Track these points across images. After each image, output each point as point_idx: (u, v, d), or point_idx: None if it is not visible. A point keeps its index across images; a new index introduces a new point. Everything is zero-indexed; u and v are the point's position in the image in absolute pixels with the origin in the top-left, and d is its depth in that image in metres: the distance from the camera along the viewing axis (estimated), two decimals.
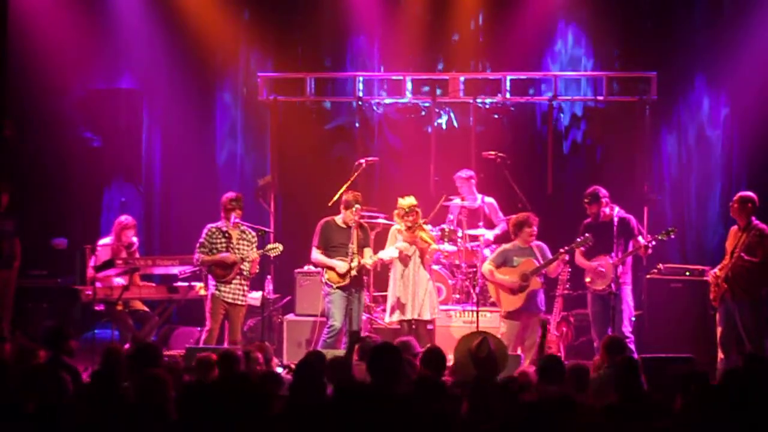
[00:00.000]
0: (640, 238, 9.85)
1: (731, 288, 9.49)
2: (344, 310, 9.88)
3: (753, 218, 9.52)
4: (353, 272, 9.86)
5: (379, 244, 10.52)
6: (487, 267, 9.97)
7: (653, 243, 9.79)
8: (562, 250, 9.72)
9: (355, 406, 5.55)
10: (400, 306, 9.98)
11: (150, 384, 5.77)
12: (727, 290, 9.51)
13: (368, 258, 10.00)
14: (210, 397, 5.36)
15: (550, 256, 9.79)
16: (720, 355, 9.54)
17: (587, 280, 9.90)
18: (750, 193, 9.64)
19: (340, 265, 9.88)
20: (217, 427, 5.22)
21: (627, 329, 9.68)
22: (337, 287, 9.91)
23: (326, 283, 10.00)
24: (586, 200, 9.89)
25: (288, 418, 5.59)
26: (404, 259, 9.99)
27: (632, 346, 9.58)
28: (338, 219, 10.05)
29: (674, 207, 12.42)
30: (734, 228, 9.68)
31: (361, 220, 10.16)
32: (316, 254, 10.06)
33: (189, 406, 5.42)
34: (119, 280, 10.68)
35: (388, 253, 10.08)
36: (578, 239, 9.74)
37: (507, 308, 9.81)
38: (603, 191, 9.88)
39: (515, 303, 9.76)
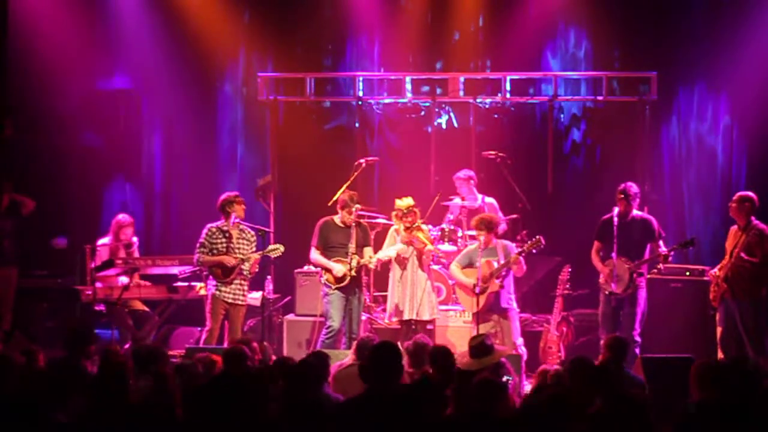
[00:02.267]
0: (661, 243, 9.78)
1: (731, 288, 9.49)
2: (342, 311, 9.88)
3: (753, 218, 9.52)
4: (352, 273, 9.86)
5: (379, 244, 10.52)
6: (453, 267, 9.97)
7: (672, 254, 9.74)
8: (515, 253, 9.69)
9: (357, 405, 5.57)
10: (399, 307, 9.98)
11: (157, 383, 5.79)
12: (726, 290, 9.51)
13: (367, 258, 10.00)
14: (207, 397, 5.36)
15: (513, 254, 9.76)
16: (720, 354, 9.54)
17: (601, 280, 9.87)
18: (749, 193, 9.64)
19: (337, 268, 9.87)
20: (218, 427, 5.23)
21: (636, 332, 9.62)
22: (336, 288, 9.92)
23: (325, 284, 10.00)
24: (620, 196, 9.77)
25: (289, 418, 5.59)
26: (402, 261, 10.00)
27: (638, 350, 9.53)
28: (337, 219, 10.04)
29: (674, 207, 12.42)
30: (734, 228, 9.67)
31: (360, 220, 10.15)
32: (315, 254, 10.06)
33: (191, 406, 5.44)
34: (123, 279, 10.69)
35: (386, 253, 10.09)
36: (528, 242, 9.72)
37: (471, 310, 9.77)
38: (630, 190, 9.76)
39: (477, 305, 9.67)
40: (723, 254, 9.70)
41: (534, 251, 9.75)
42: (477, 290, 9.57)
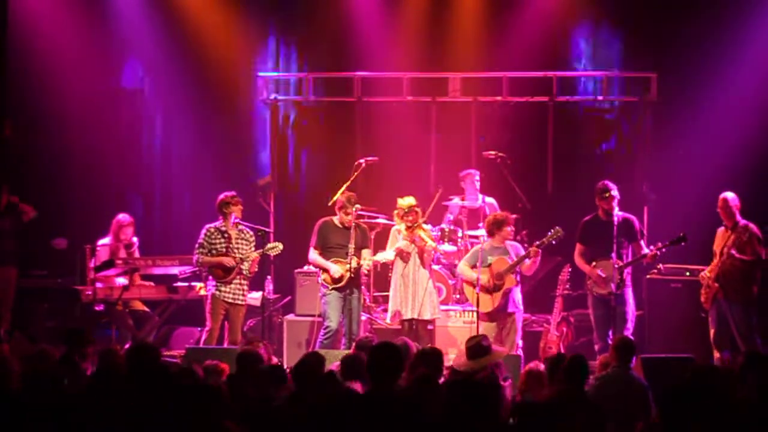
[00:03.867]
0: (642, 243, 9.78)
1: (723, 288, 9.50)
2: (340, 311, 9.87)
3: (738, 217, 9.55)
4: (349, 273, 9.84)
5: (380, 244, 10.52)
6: (462, 267, 9.92)
7: (663, 250, 9.73)
8: (533, 246, 9.66)
9: (356, 406, 5.57)
10: (400, 306, 9.97)
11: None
12: (719, 290, 9.52)
13: (365, 260, 9.97)
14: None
15: (522, 253, 9.72)
16: (716, 354, 9.55)
17: (589, 281, 9.85)
18: (730, 193, 9.67)
19: (334, 269, 9.86)
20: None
21: (629, 332, 9.62)
22: (333, 288, 9.91)
23: (322, 284, 10.00)
24: (599, 195, 9.77)
25: (290, 418, 5.60)
26: (405, 258, 9.99)
27: None
28: (336, 219, 10.04)
29: (674, 207, 12.40)
30: (721, 229, 9.72)
31: (359, 221, 10.15)
32: (313, 255, 10.06)
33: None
34: (121, 280, 10.69)
35: (384, 255, 10.07)
36: (548, 233, 9.68)
37: (483, 309, 9.70)
38: (613, 186, 9.77)
39: (491, 303, 9.64)
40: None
41: (554, 242, 9.70)
42: (477, 290, 9.55)
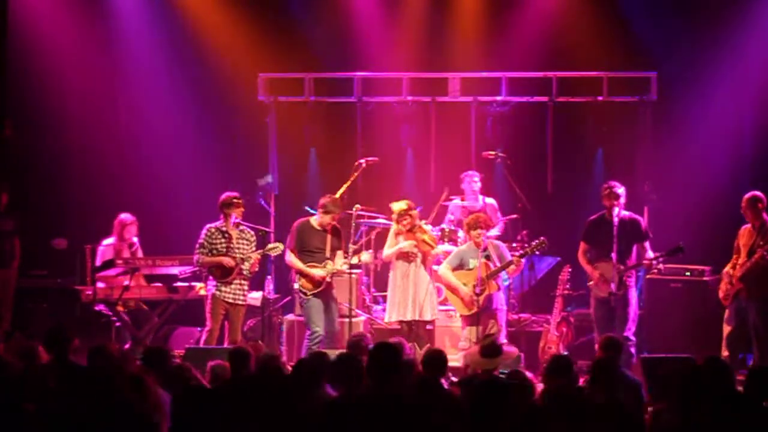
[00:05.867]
0: (647, 244, 9.76)
1: (748, 287, 9.43)
2: (324, 314, 9.81)
3: (766, 216, 9.51)
4: (328, 278, 9.78)
5: (380, 245, 10.52)
6: (443, 270, 9.89)
7: (660, 260, 9.72)
8: (516, 255, 9.68)
9: (355, 407, 5.57)
10: (400, 306, 9.95)
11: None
12: (743, 289, 9.46)
13: (339, 263, 9.89)
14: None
15: (507, 255, 9.70)
16: (725, 353, 9.50)
17: (590, 283, 9.85)
18: (758, 192, 9.63)
19: (315, 272, 9.78)
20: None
21: (630, 332, 9.62)
22: (311, 294, 9.84)
23: (299, 292, 9.92)
24: (605, 193, 9.75)
25: (288, 418, 5.60)
26: (406, 258, 9.95)
27: (633, 350, 9.53)
28: (314, 221, 9.95)
29: (675, 207, 12.40)
30: (747, 227, 9.61)
31: (335, 223, 10.03)
32: (290, 257, 9.96)
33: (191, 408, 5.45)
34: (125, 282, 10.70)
35: (362, 258, 10.00)
36: (533, 243, 9.69)
37: (464, 312, 9.71)
38: (620, 188, 9.77)
39: (473, 307, 9.62)
40: (722, 253, 9.67)
41: (537, 252, 9.73)
42: (477, 290, 9.54)
